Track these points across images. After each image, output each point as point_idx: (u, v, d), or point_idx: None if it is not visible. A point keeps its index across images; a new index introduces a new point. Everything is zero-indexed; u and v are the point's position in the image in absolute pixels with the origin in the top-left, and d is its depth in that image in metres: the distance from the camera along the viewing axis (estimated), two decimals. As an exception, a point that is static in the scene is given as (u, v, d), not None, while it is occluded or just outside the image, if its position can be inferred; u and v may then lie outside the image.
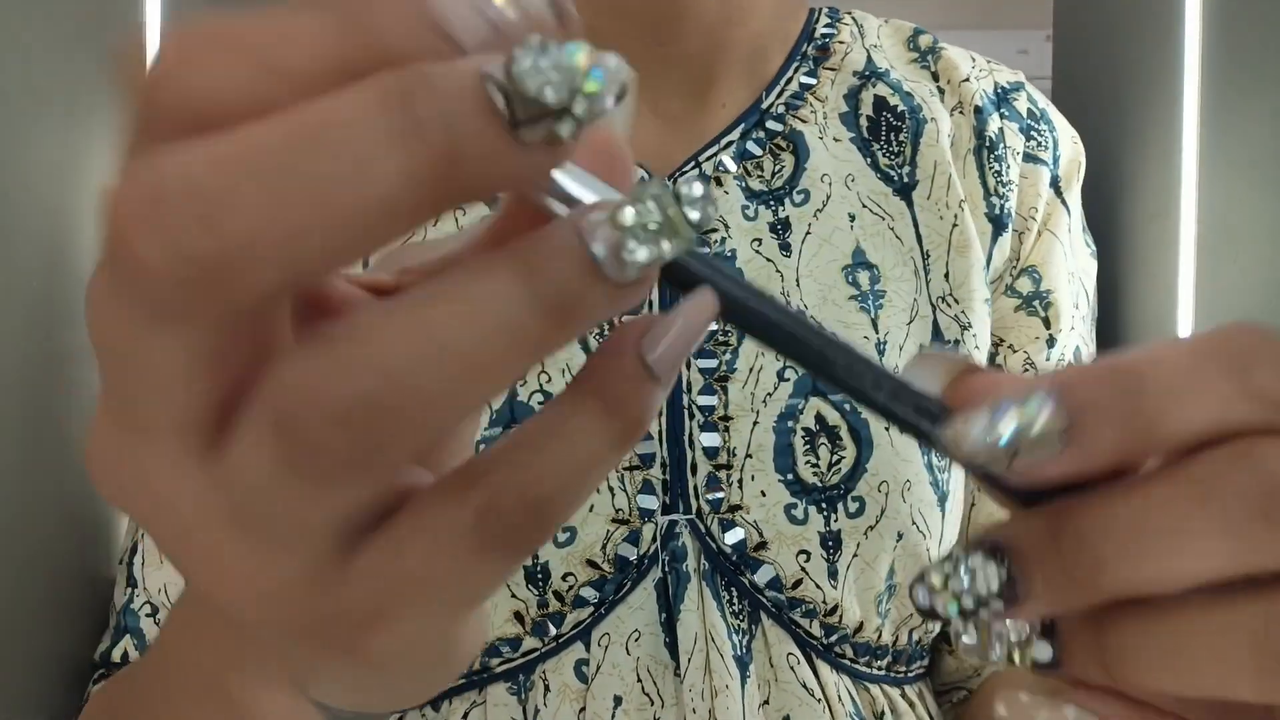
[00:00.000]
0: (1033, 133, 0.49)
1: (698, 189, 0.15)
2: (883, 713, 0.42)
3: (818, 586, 0.41)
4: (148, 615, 0.45)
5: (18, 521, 0.45)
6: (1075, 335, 0.49)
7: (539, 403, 0.41)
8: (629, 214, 0.15)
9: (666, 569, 0.40)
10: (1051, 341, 0.48)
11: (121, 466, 0.16)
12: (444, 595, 0.16)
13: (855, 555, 0.41)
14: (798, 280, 0.44)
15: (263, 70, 0.14)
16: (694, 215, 0.15)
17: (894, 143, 0.47)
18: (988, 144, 0.48)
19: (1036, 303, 0.48)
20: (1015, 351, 0.48)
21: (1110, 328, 0.62)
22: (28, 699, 0.46)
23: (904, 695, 0.43)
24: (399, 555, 0.16)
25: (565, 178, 0.16)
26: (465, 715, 0.40)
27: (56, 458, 0.47)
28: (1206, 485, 0.16)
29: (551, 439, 0.16)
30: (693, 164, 0.46)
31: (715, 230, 0.44)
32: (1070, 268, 0.49)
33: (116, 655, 0.45)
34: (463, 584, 0.16)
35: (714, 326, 0.42)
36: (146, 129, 0.14)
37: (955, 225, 0.46)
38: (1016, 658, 0.18)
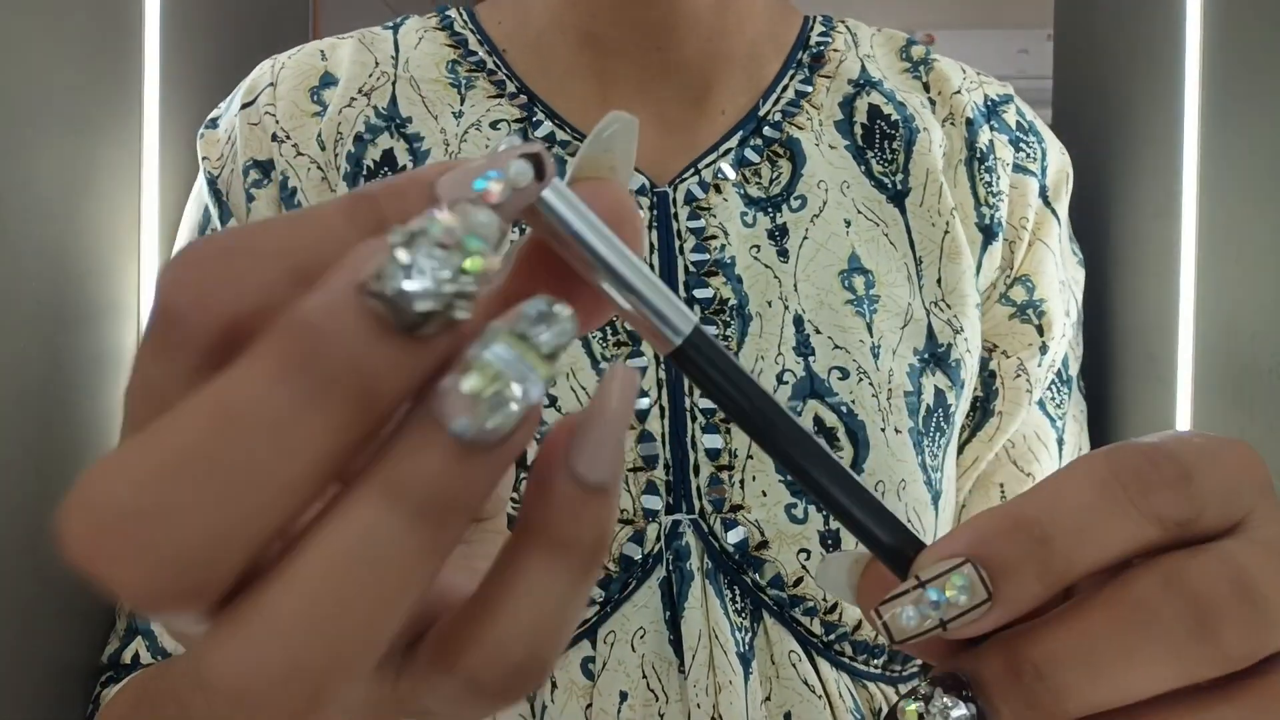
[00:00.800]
0: (1022, 144, 0.50)
1: (535, 309, 0.14)
2: (880, 710, 0.42)
3: (818, 585, 0.41)
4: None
5: (23, 525, 0.45)
6: (1065, 343, 0.50)
7: (544, 405, 0.41)
8: (474, 379, 0.14)
9: (670, 568, 0.41)
10: (1044, 349, 0.49)
11: None
12: None
13: None
14: (795, 285, 0.45)
15: (251, 292, 0.15)
16: (546, 345, 0.14)
17: (887, 151, 0.48)
18: (978, 155, 0.49)
19: (1030, 311, 0.49)
20: (1009, 358, 0.49)
21: (1110, 328, 0.62)
22: (33, 702, 0.47)
23: (899, 693, 0.44)
24: None
25: (574, 219, 0.16)
26: (474, 711, 0.41)
27: (61, 461, 0.47)
28: (1143, 610, 0.17)
29: (516, 598, 0.16)
30: (692, 171, 0.46)
31: (715, 237, 0.45)
32: (1061, 276, 0.50)
33: (127, 657, 0.45)
34: None
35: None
36: (151, 346, 0.15)
37: (947, 232, 0.47)
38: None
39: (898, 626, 0.18)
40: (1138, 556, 0.18)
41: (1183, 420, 0.56)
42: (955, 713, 0.18)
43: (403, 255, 0.13)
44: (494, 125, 0.46)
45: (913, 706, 0.18)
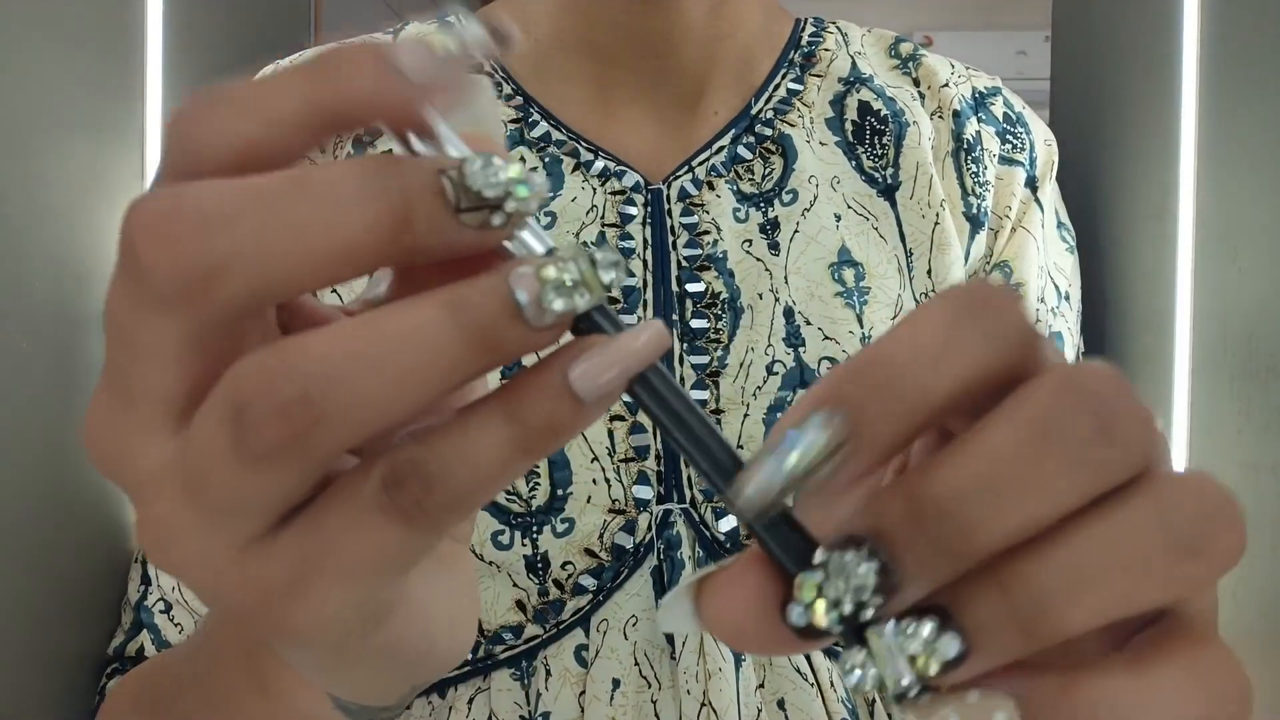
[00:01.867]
0: (1008, 136, 0.51)
1: (611, 255, 0.18)
2: (873, 700, 0.43)
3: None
4: (162, 612, 0.46)
5: (31, 521, 0.46)
6: (1040, 326, 0.50)
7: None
8: (551, 270, 0.17)
9: (662, 557, 0.41)
10: None
11: (108, 432, 0.18)
12: (354, 564, 0.18)
13: None
14: (786, 277, 0.45)
15: (258, 120, 0.17)
16: (607, 277, 0.18)
17: (877, 146, 0.49)
18: (965, 146, 0.49)
19: None
20: None
21: (1109, 327, 0.62)
22: (39, 695, 0.47)
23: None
24: (315, 527, 0.18)
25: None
26: (470, 701, 0.42)
27: (68, 458, 0.48)
28: (1043, 424, 0.16)
29: (457, 429, 0.18)
30: (685, 169, 0.47)
31: (707, 233, 0.46)
32: (1041, 262, 0.50)
33: (132, 650, 0.46)
34: (369, 552, 0.18)
35: (702, 325, 0.43)
36: (168, 171, 0.18)
37: (937, 224, 0.48)
38: (922, 663, 0.17)
39: (763, 488, 0.17)
40: (989, 389, 0.17)
41: (1179, 417, 0.56)
42: (858, 570, 0.16)
43: (477, 163, 0.17)
44: None
45: (811, 579, 0.17)
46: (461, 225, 0.17)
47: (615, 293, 0.44)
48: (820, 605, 0.17)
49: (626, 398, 0.43)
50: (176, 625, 0.45)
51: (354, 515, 0.17)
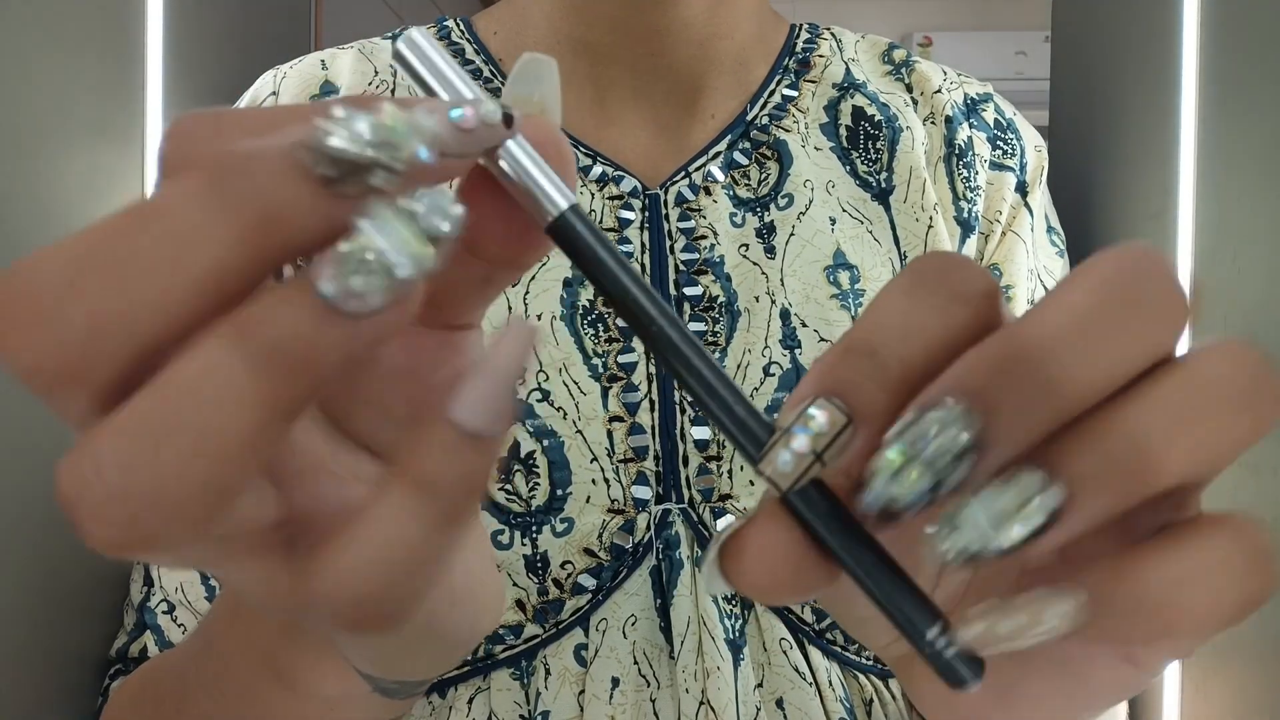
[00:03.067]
0: (999, 142, 0.51)
1: (433, 199, 0.15)
2: (870, 700, 0.43)
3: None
4: (165, 613, 0.46)
5: (31, 520, 0.46)
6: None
7: (536, 399, 0.42)
8: (346, 245, 0.15)
9: (660, 556, 0.42)
10: None
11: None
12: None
13: None
14: (782, 280, 0.46)
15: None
16: (442, 225, 0.15)
17: (871, 151, 0.49)
18: (957, 152, 0.50)
19: None
20: None
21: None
22: (41, 696, 0.47)
23: (888, 687, 0.44)
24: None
25: (520, 155, 0.17)
26: (470, 701, 0.42)
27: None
28: (1117, 280, 0.17)
29: (369, 527, 0.16)
30: (682, 174, 0.47)
31: (704, 237, 0.46)
32: (1031, 265, 0.51)
33: (135, 651, 0.46)
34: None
35: (703, 325, 0.44)
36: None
37: (930, 228, 0.48)
38: (1023, 518, 0.16)
39: (780, 474, 0.17)
40: (960, 340, 0.18)
41: (1178, 417, 0.56)
42: (950, 425, 0.16)
43: (338, 113, 0.15)
44: None
45: (896, 446, 0.17)
46: (338, 200, 0.15)
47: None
48: (913, 470, 0.16)
49: (627, 399, 0.43)
50: (180, 626, 0.46)
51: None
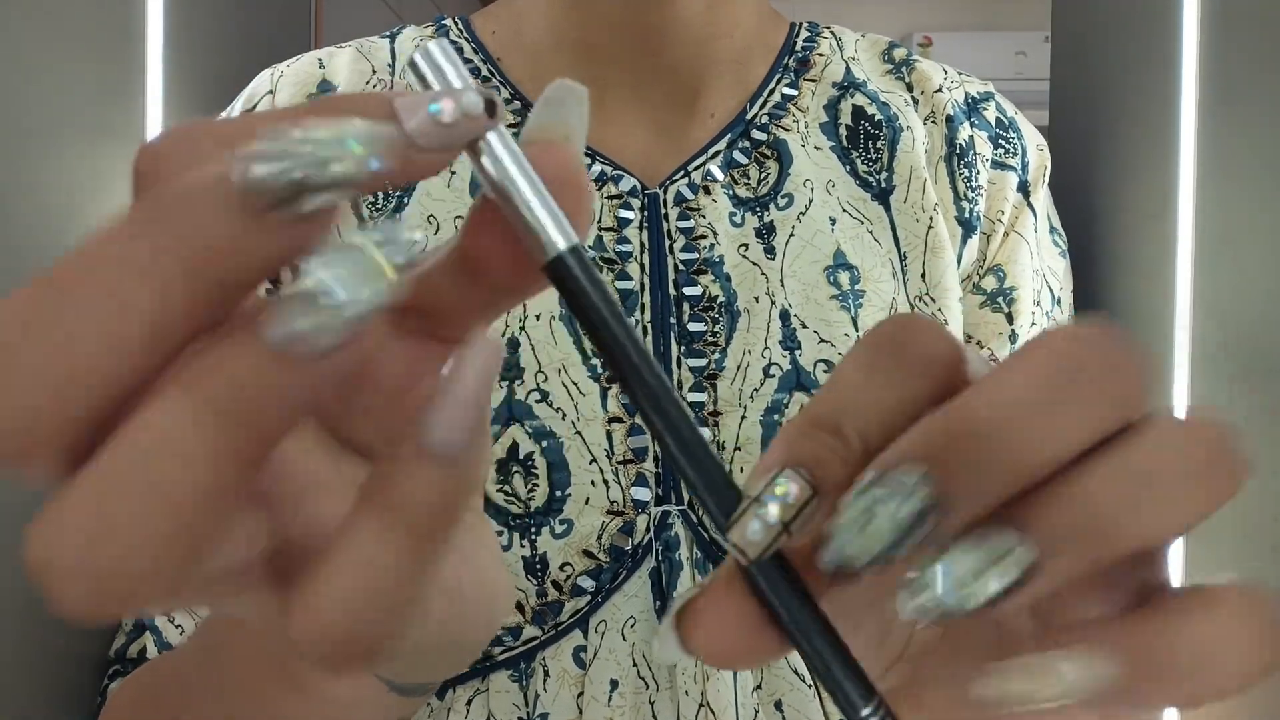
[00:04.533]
0: (1001, 141, 0.51)
1: (389, 230, 0.14)
2: None
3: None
4: (161, 614, 0.46)
5: (30, 520, 0.46)
6: (1037, 330, 0.51)
7: (535, 400, 0.42)
8: (292, 288, 0.14)
9: (660, 558, 0.42)
10: (1013, 337, 0.50)
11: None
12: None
13: None
14: (782, 280, 0.46)
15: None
16: (398, 259, 0.14)
17: (871, 150, 0.49)
18: (958, 151, 0.50)
19: (1000, 299, 0.50)
20: (982, 348, 0.49)
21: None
22: (39, 697, 0.47)
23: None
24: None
25: (524, 187, 0.17)
26: (469, 703, 0.42)
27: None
28: (1062, 357, 0.17)
29: (338, 559, 0.16)
30: (682, 173, 0.47)
31: (705, 237, 0.46)
32: (1035, 266, 0.51)
33: (134, 651, 0.46)
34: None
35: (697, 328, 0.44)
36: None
37: (930, 228, 0.48)
38: (994, 574, 0.17)
39: (749, 542, 0.17)
40: (921, 409, 0.18)
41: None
42: (911, 484, 0.17)
43: (264, 145, 0.14)
44: None
45: (859, 502, 0.17)
46: (271, 230, 0.14)
47: (645, 312, 0.44)
48: (871, 529, 0.17)
49: (626, 400, 0.43)
50: (178, 627, 0.46)
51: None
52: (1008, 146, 0.51)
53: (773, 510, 0.17)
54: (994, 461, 0.17)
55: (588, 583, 0.41)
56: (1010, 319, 0.50)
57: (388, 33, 0.52)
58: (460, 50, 0.50)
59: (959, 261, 0.49)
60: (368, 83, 0.48)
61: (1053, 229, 0.53)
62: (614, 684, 0.41)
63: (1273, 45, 0.53)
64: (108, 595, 0.14)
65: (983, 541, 0.17)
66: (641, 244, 0.46)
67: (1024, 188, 0.51)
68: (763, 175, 0.48)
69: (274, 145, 0.14)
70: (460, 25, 0.51)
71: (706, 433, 0.43)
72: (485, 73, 0.49)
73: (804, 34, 0.53)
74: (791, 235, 0.47)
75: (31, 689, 0.47)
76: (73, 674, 0.49)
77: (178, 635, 0.46)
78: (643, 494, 0.42)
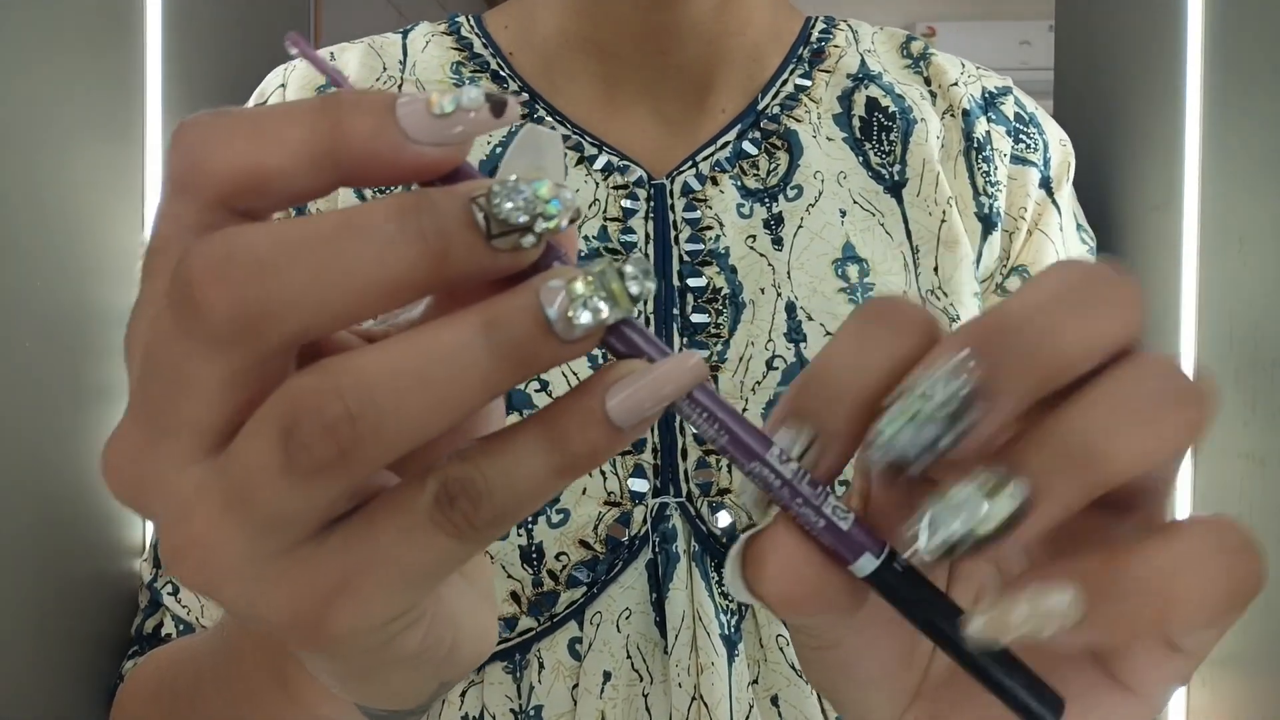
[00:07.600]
0: (1021, 135, 0.50)
1: (640, 266, 0.19)
2: None
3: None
4: (170, 594, 0.47)
5: (40, 513, 0.47)
6: None
7: (535, 389, 0.42)
8: (579, 285, 0.18)
9: (657, 550, 0.41)
10: None
11: (137, 463, 0.19)
12: (404, 571, 0.19)
13: None
14: (788, 273, 0.45)
15: (266, 147, 0.18)
16: (635, 289, 0.18)
17: (885, 142, 0.49)
18: (976, 145, 0.49)
19: None
20: None
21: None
22: (63, 673, 0.48)
23: None
24: (366, 536, 0.18)
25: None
26: (463, 694, 0.42)
27: (70, 455, 0.49)
28: (1071, 282, 0.20)
29: (503, 452, 0.19)
30: (689, 164, 0.47)
31: (710, 228, 0.46)
32: None
33: (150, 627, 0.47)
34: (419, 561, 0.19)
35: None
36: (173, 187, 0.19)
37: (944, 222, 0.47)
38: (994, 507, 0.18)
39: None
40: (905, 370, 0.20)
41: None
42: (946, 383, 0.18)
43: (505, 190, 0.18)
44: None
45: (911, 391, 0.18)
46: (495, 252, 0.18)
47: (648, 304, 0.44)
48: (928, 409, 0.18)
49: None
50: (185, 608, 0.46)
51: (407, 526, 0.18)
52: (1028, 141, 0.50)
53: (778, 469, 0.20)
54: (1031, 353, 0.19)
55: (584, 573, 0.41)
56: None
57: (401, 30, 0.52)
58: (470, 45, 0.50)
59: (980, 259, 0.48)
60: (377, 79, 0.49)
61: (1079, 226, 0.52)
62: (607, 676, 0.40)
63: (1277, 36, 0.52)
64: (342, 455, 0.17)
65: (979, 477, 0.18)
66: (647, 234, 0.45)
67: (1047, 184, 0.50)
68: (772, 166, 0.47)
69: (515, 190, 0.18)
70: (472, 22, 0.52)
71: None
72: (495, 66, 0.49)
73: (819, 26, 0.53)
74: (800, 227, 0.46)
75: (55, 666, 0.48)
76: (94, 651, 0.50)
77: (185, 616, 0.46)
78: (640, 485, 0.42)
